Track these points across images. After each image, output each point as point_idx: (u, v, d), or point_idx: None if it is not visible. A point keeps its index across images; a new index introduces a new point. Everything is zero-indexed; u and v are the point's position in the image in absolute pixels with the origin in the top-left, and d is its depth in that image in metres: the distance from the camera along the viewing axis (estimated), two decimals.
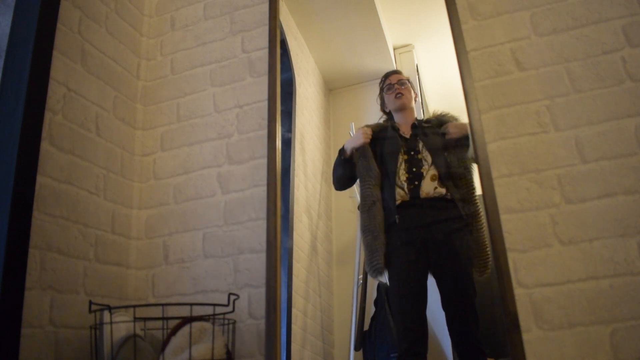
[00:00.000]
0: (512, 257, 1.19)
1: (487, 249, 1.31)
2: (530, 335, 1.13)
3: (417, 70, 1.79)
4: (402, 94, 1.62)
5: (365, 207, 1.48)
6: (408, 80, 1.65)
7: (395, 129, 1.58)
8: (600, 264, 1.14)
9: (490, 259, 1.30)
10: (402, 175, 1.48)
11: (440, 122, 1.54)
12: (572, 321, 1.12)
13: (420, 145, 1.51)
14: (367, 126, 1.62)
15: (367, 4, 1.80)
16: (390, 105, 1.64)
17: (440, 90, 1.80)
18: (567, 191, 1.22)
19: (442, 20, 1.42)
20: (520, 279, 1.18)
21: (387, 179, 1.49)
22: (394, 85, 1.64)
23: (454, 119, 1.52)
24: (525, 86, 1.33)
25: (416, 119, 1.59)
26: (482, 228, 1.34)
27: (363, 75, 1.86)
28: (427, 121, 1.58)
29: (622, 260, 1.13)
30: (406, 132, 1.56)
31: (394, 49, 1.85)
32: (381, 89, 1.68)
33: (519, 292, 1.16)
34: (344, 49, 1.89)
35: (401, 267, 1.41)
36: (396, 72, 1.69)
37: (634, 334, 1.08)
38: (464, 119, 1.32)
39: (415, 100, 1.63)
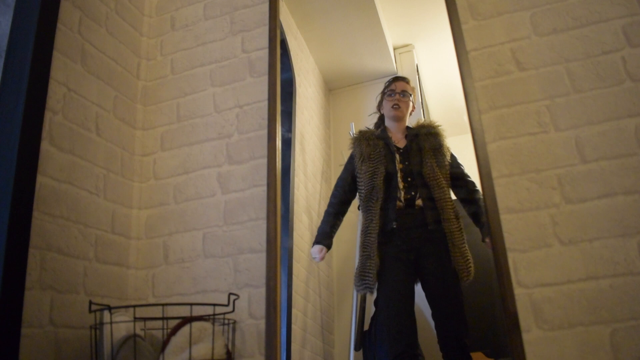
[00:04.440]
0: (512, 257, 1.19)
1: (468, 255, 1.35)
2: (530, 335, 1.13)
3: (417, 70, 1.79)
4: (399, 107, 1.63)
5: (365, 222, 1.48)
6: (410, 93, 1.66)
7: (388, 138, 1.58)
8: (600, 264, 1.14)
9: (471, 265, 1.34)
10: (400, 184, 1.49)
11: (427, 132, 1.56)
12: (572, 321, 1.12)
13: (413, 155, 1.52)
14: (361, 132, 1.63)
15: (367, 4, 1.79)
16: (386, 111, 1.66)
17: (440, 90, 1.80)
18: (567, 191, 1.22)
19: (442, 20, 1.42)
20: (520, 279, 1.18)
21: (388, 190, 1.49)
22: (395, 94, 1.64)
23: (436, 128, 1.54)
24: (525, 86, 1.33)
25: (407, 127, 1.61)
26: (463, 237, 1.37)
27: (363, 75, 1.86)
28: (416, 132, 1.58)
29: (622, 260, 1.13)
30: (398, 141, 1.57)
31: (394, 49, 1.85)
32: (384, 91, 1.68)
33: (519, 292, 1.16)
34: (344, 49, 1.89)
35: (393, 273, 1.42)
36: (404, 80, 1.68)
37: (634, 334, 1.08)
38: (462, 118, 1.32)
39: (410, 114, 1.65)
